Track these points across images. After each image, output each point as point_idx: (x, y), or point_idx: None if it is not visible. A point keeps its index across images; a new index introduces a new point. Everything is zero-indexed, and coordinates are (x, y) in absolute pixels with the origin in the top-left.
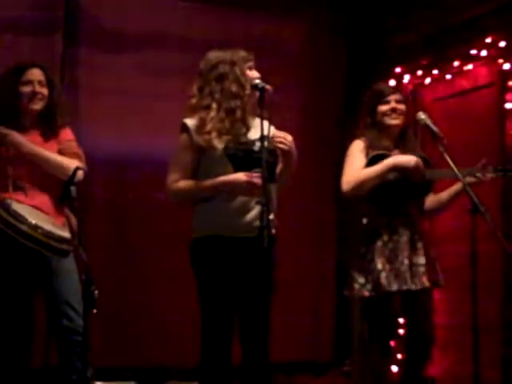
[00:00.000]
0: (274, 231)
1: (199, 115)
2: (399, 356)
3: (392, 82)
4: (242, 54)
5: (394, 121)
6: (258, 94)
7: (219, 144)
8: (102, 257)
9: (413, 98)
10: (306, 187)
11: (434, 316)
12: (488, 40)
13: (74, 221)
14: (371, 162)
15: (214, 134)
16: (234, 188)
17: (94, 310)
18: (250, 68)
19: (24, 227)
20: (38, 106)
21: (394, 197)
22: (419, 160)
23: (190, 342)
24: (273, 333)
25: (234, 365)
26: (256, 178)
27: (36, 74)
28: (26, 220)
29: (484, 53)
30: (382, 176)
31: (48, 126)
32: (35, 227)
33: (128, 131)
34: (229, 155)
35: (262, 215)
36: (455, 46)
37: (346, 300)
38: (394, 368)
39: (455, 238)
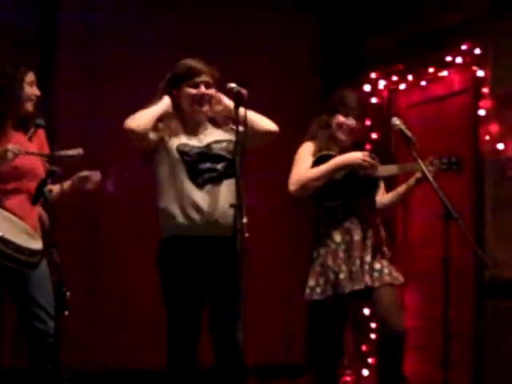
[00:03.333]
0: (247, 235)
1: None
2: (370, 360)
3: (367, 87)
4: (201, 66)
5: (340, 136)
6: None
7: (173, 143)
8: (73, 258)
9: (387, 104)
10: (281, 186)
11: (406, 319)
12: (463, 47)
13: (46, 220)
14: (318, 161)
15: (167, 132)
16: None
17: (66, 312)
18: (194, 83)
19: None
20: (32, 107)
21: (341, 196)
22: (366, 153)
23: (161, 345)
24: (246, 335)
25: (207, 368)
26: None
27: (33, 75)
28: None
29: (459, 60)
30: (328, 175)
31: (28, 127)
32: (6, 242)
33: (101, 129)
34: (181, 154)
35: (235, 218)
36: (430, 52)
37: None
38: (365, 372)
39: (427, 243)
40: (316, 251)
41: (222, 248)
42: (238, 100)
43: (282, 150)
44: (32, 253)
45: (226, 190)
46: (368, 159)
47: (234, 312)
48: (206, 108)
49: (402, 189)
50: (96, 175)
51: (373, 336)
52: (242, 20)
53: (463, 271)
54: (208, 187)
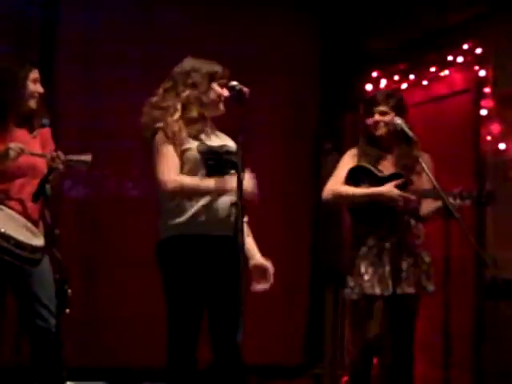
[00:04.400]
0: (247, 234)
1: (166, 119)
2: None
3: (369, 86)
4: (218, 68)
5: (377, 132)
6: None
7: (193, 147)
8: (75, 256)
9: None
10: (281, 188)
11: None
12: (465, 46)
13: (48, 218)
14: (351, 174)
15: (184, 135)
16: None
17: (67, 310)
18: (222, 85)
19: None
20: (35, 104)
21: (371, 210)
22: (399, 196)
23: (161, 342)
24: (244, 335)
25: (206, 366)
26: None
27: (37, 72)
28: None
29: (460, 59)
30: (359, 202)
31: (32, 124)
32: (7, 238)
33: (102, 130)
34: (203, 157)
35: (236, 217)
36: (432, 51)
37: (318, 302)
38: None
39: (428, 243)
40: (352, 252)
41: (224, 247)
42: (240, 98)
43: (281, 152)
44: (33, 249)
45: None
46: (402, 197)
47: (235, 311)
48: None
49: (435, 205)
50: (86, 157)
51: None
52: (242, 19)
53: (464, 271)
54: None
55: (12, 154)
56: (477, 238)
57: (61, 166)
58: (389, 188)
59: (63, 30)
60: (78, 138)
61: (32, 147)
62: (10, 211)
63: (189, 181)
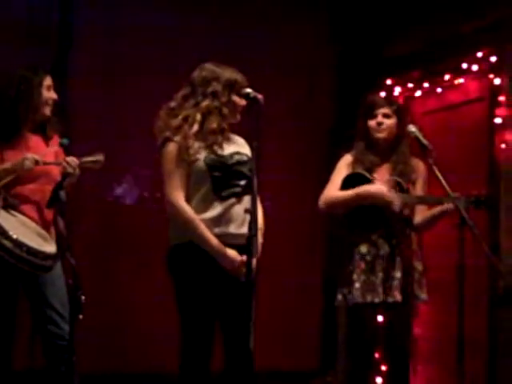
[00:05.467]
0: (261, 240)
1: (183, 131)
2: (383, 368)
3: (382, 94)
4: (237, 76)
5: (378, 134)
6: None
7: (201, 159)
8: (88, 262)
9: None
10: (295, 195)
11: (419, 328)
12: (479, 54)
13: (62, 224)
14: (346, 181)
15: (196, 147)
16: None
17: (81, 316)
18: (240, 93)
19: (7, 243)
20: (49, 111)
21: (366, 217)
22: (388, 194)
23: (176, 348)
24: (257, 341)
25: (218, 372)
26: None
27: (50, 79)
28: (10, 236)
29: (475, 67)
30: (354, 203)
31: (45, 131)
32: (19, 244)
33: (120, 135)
34: (210, 170)
35: (250, 224)
36: (446, 59)
37: (331, 309)
38: (379, 380)
39: (442, 251)
40: (346, 259)
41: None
42: (255, 106)
43: (294, 160)
44: (45, 256)
45: (244, 206)
46: (389, 196)
47: (246, 318)
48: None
49: (430, 213)
50: (99, 156)
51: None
52: (259, 26)
53: (478, 280)
54: (230, 201)
55: (27, 164)
56: (491, 247)
57: (76, 171)
58: (377, 186)
59: (80, 34)
60: (93, 141)
61: (46, 155)
62: (22, 217)
63: (186, 214)
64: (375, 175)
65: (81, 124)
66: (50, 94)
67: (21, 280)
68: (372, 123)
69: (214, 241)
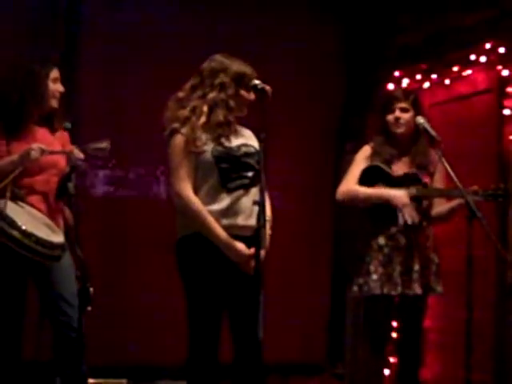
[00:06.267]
0: (270, 232)
1: (190, 122)
2: (392, 359)
3: (391, 86)
4: (247, 69)
5: (397, 129)
6: (257, 95)
7: (209, 150)
8: (95, 254)
9: None
10: (303, 188)
11: (428, 320)
12: (487, 46)
13: (70, 216)
14: (364, 173)
15: (204, 139)
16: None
17: (89, 307)
18: (248, 87)
19: (16, 233)
20: (56, 103)
21: (386, 209)
22: (406, 207)
23: (182, 340)
24: (266, 334)
25: (227, 363)
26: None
27: (57, 71)
28: (19, 226)
29: (483, 58)
30: (371, 202)
31: (53, 123)
32: (28, 235)
33: (126, 130)
34: (217, 161)
35: (258, 215)
36: (454, 51)
37: (339, 301)
38: (386, 371)
39: (451, 242)
40: (363, 250)
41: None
42: (263, 97)
43: (302, 152)
44: (53, 246)
45: (252, 198)
46: (408, 210)
47: (255, 308)
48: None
49: (448, 206)
50: (105, 144)
51: (394, 335)
52: (267, 19)
53: (486, 271)
54: (237, 193)
55: (33, 154)
56: (499, 238)
57: (81, 163)
58: (401, 195)
59: (87, 30)
60: (100, 135)
61: (53, 146)
62: (30, 208)
63: (194, 206)
64: (394, 168)
65: (88, 115)
66: (56, 87)
67: (30, 270)
68: (390, 118)
69: (222, 233)
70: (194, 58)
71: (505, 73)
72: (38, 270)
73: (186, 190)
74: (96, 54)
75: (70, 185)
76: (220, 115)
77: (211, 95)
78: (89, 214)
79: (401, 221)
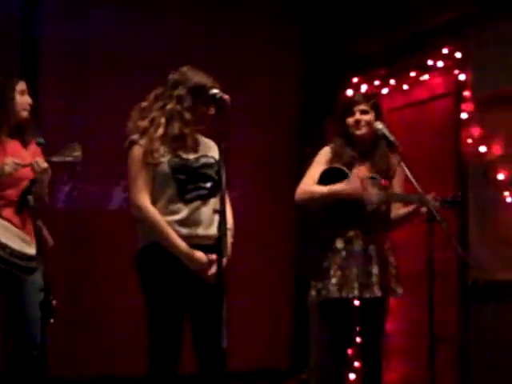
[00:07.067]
0: (231, 240)
1: (149, 133)
2: (356, 364)
3: (349, 92)
4: (208, 82)
5: (357, 131)
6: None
7: (166, 162)
8: (58, 266)
9: None
10: (263, 192)
11: (390, 323)
12: (444, 51)
13: (44, 230)
14: (323, 175)
15: (162, 151)
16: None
17: (52, 320)
18: (207, 100)
19: None
20: (27, 115)
21: (344, 213)
22: (364, 193)
23: (144, 351)
24: (230, 341)
25: (190, 373)
26: None
27: (24, 84)
28: None
29: (440, 63)
30: (329, 199)
31: (22, 135)
32: (3, 247)
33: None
34: (174, 173)
35: (219, 224)
36: (412, 56)
37: (303, 307)
38: (352, 376)
39: (411, 245)
40: (321, 255)
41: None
42: (222, 107)
43: (262, 157)
44: (29, 258)
45: (212, 208)
46: (366, 194)
47: (217, 318)
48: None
49: (404, 211)
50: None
51: (358, 340)
52: (229, 23)
53: (447, 274)
54: (195, 204)
55: (7, 169)
56: (459, 240)
57: (43, 174)
58: (353, 186)
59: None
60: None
61: (24, 159)
62: (2, 221)
63: (152, 217)
64: (355, 170)
65: (49, 124)
66: (24, 99)
67: (2, 283)
68: (350, 121)
69: (181, 243)
70: (158, 66)
71: (462, 77)
72: (9, 281)
73: (144, 200)
74: (55, 71)
75: (30, 197)
76: (176, 128)
77: (169, 107)
78: (50, 225)
79: (369, 207)
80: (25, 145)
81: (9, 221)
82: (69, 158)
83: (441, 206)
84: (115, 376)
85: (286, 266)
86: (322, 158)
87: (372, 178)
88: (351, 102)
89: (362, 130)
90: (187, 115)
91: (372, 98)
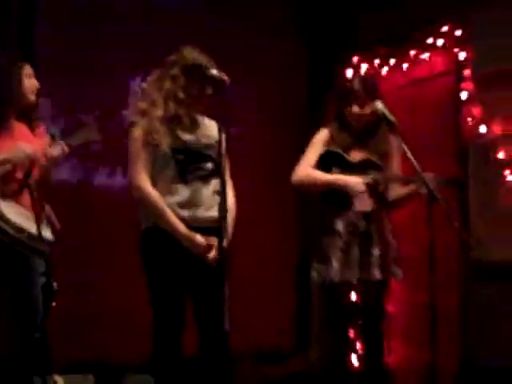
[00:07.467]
0: (232, 221)
1: (148, 114)
2: (358, 345)
3: (349, 71)
4: (204, 61)
5: (355, 123)
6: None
7: (166, 143)
8: (59, 248)
9: None
10: (267, 179)
11: (392, 305)
12: (444, 29)
13: (52, 214)
14: (322, 158)
15: (161, 133)
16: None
17: (53, 303)
18: (203, 79)
19: (10, 229)
20: (34, 98)
21: (342, 195)
22: (363, 192)
23: (148, 336)
24: (233, 322)
25: (193, 355)
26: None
27: (29, 67)
28: (13, 222)
29: (440, 42)
30: (328, 187)
31: (29, 119)
32: (20, 230)
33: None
34: (174, 153)
35: (220, 204)
36: (412, 35)
37: (307, 288)
38: (353, 356)
39: (412, 227)
40: (322, 238)
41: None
42: (220, 87)
43: (268, 139)
44: (44, 240)
45: (213, 189)
46: (361, 198)
47: (219, 299)
48: None
49: (404, 191)
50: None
51: (359, 321)
52: (228, 9)
53: (448, 255)
54: (196, 184)
55: (21, 157)
56: (460, 221)
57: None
58: (356, 183)
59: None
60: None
61: (33, 142)
62: (18, 206)
63: (152, 198)
64: (352, 154)
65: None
66: (32, 82)
67: (13, 265)
68: (348, 112)
69: (180, 225)
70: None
71: (462, 56)
72: (19, 263)
73: (144, 182)
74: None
75: (30, 180)
76: (171, 108)
77: (165, 87)
78: (52, 206)
79: (355, 208)
80: (32, 128)
81: (21, 205)
82: (86, 140)
83: (441, 186)
84: (119, 360)
85: (290, 248)
86: (320, 139)
87: (371, 179)
88: (350, 94)
89: (360, 123)
90: (181, 94)
91: (368, 86)
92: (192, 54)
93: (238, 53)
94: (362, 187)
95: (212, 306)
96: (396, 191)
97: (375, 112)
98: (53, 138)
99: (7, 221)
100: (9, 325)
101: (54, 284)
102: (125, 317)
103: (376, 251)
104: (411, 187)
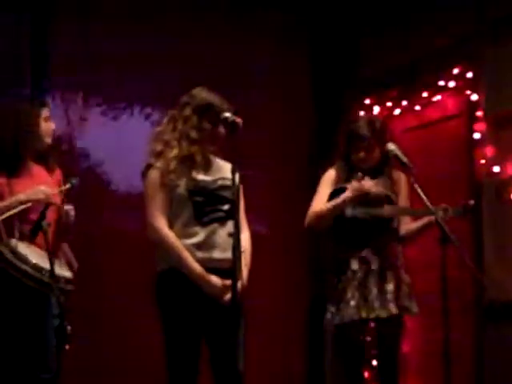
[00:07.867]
0: (247, 263)
1: (164, 156)
2: None
3: (362, 113)
4: (215, 101)
5: (362, 166)
6: (228, 127)
7: (183, 184)
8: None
9: None
10: (277, 219)
11: (407, 342)
12: (455, 71)
13: (68, 252)
14: (333, 195)
15: (178, 174)
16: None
17: (67, 346)
18: (215, 120)
19: (29, 269)
20: (50, 140)
21: (354, 233)
22: (372, 184)
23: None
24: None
25: None
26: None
27: (48, 111)
28: (31, 262)
29: (452, 84)
30: (338, 208)
31: (47, 162)
32: (40, 269)
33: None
34: (191, 195)
35: (233, 248)
36: (423, 77)
37: (318, 333)
38: None
39: (427, 266)
40: (336, 278)
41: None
42: (233, 130)
43: (273, 178)
44: (66, 280)
45: (229, 231)
46: (372, 189)
47: (234, 341)
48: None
49: (416, 225)
50: (71, 209)
51: (374, 362)
52: (236, 42)
53: (463, 295)
54: (212, 226)
55: (41, 196)
56: (475, 262)
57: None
58: (351, 187)
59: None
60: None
61: (49, 184)
62: (35, 247)
63: (169, 240)
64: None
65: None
66: (48, 125)
67: (30, 304)
68: (355, 156)
69: (197, 267)
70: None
71: (474, 97)
72: (38, 303)
73: (161, 224)
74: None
75: (44, 223)
76: (185, 147)
77: (178, 128)
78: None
79: (348, 213)
80: (49, 171)
81: (38, 246)
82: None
83: (454, 215)
84: None
85: (301, 292)
86: (327, 180)
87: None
88: (356, 136)
89: (366, 165)
90: (193, 134)
91: (376, 129)
92: (203, 94)
93: (243, 87)
94: (357, 184)
95: (227, 347)
96: (408, 225)
97: (386, 154)
98: (72, 186)
99: (25, 260)
100: (17, 363)
101: (68, 327)
102: (140, 356)
103: (391, 287)
104: (423, 220)
